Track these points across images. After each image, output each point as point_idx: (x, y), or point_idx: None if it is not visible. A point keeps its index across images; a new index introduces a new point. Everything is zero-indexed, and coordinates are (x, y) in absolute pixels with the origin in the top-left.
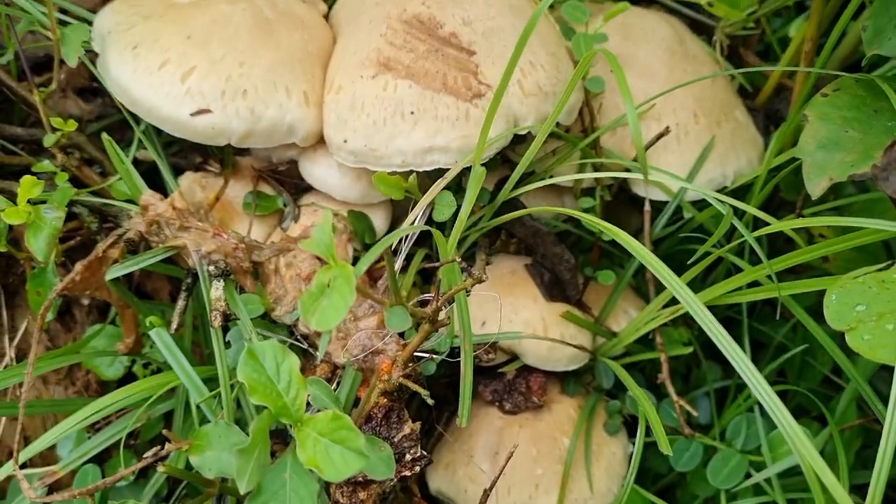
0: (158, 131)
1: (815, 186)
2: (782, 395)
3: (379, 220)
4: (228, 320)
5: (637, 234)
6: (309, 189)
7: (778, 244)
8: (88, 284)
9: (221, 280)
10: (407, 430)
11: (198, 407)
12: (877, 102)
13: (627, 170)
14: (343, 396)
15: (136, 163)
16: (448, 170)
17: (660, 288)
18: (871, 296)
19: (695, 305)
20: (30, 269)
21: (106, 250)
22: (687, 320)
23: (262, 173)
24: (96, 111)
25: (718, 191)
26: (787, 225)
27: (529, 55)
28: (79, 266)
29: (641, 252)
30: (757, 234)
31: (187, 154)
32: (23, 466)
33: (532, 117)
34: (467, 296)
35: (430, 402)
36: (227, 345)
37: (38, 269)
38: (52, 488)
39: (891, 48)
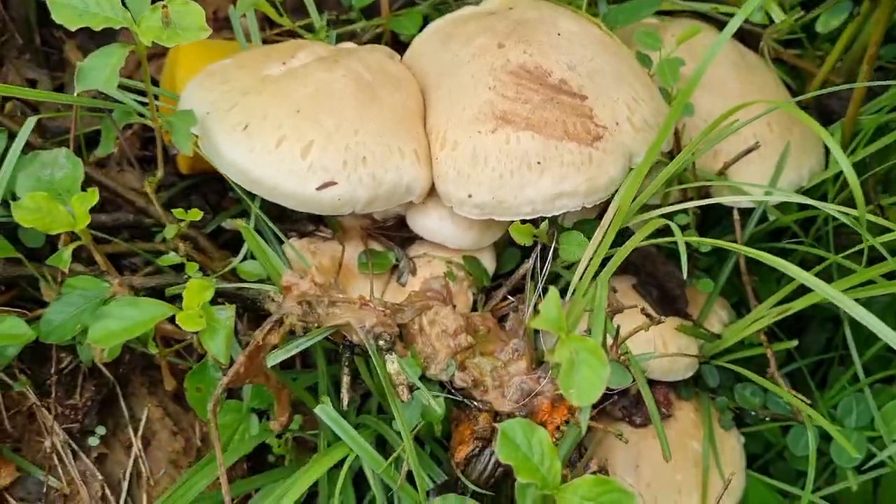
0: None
1: None
2: None
3: (488, 263)
4: (412, 391)
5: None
6: (412, 240)
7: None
8: (249, 373)
9: (393, 353)
10: (594, 467)
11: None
12: None
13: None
14: (563, 453)
15: (222, 231)
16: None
17: (757, 292)
18: None
19: (833, 294)
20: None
21: (265, 337)
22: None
23: (371, 232)
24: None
25: (797, 191)
26: None
27: (631, 92)
28: (241, 357)
29: (778, 262)
30: (881, 239)
31: (292, 221)
32: None
33: (644, 151)
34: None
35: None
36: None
37: (197, 365)
38: None
39: None
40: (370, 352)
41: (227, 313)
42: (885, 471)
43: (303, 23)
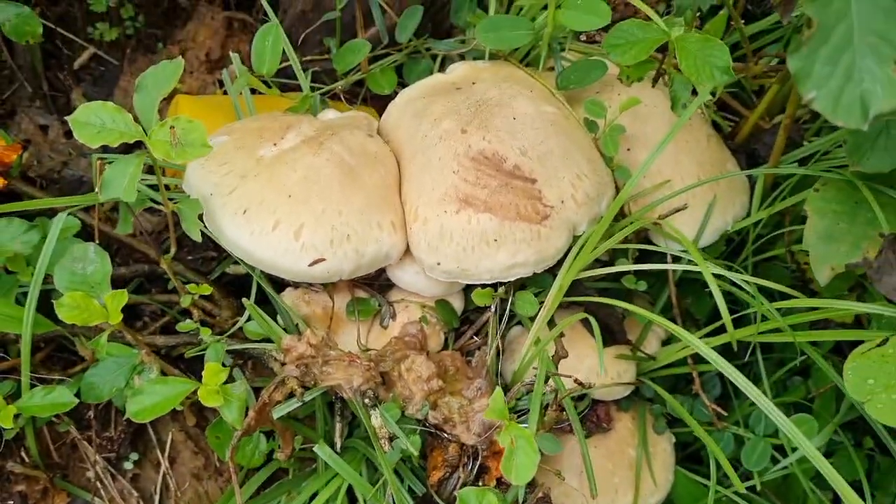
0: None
1: (822, 276)
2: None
3: (457, 304)
4: (392, 440)
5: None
6: (392, 285)
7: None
8: (259, 423)
9: (377, 409)
10: (540, 493)
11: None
12: (857, 194)
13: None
14: (510, 498)
15: (225, 275)
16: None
17: (692, 314)
18: (876, 370)
19: (713, 356)
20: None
21: (270, 395)
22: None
23: (356, 282)
24: (163, 223)
25: (721, 235)
26: (808, 303)
27: (576, 169)
28: (252, 413)
29: (671, 327)
30: (761, 308)
31: None
32: None
33: (586, 222)
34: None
35: (561, 479)
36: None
37: (215, 420)
38: None
39: (870, 166)
40: (357, 408)
41: (239, 389)
42: (789, 470)
43: (293, 99)
